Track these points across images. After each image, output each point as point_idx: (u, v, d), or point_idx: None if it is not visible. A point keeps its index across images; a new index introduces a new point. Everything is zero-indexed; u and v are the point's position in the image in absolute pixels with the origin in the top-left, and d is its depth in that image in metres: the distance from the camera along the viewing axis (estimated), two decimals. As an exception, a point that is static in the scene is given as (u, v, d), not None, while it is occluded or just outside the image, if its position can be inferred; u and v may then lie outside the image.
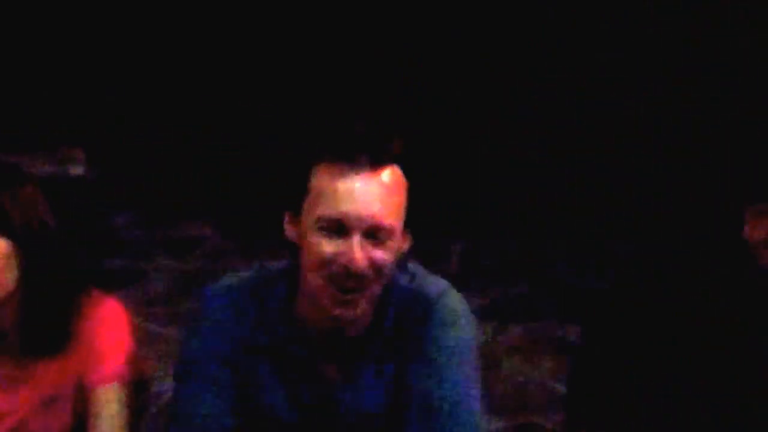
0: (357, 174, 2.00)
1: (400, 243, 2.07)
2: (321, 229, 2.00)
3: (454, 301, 2.17)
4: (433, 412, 2.04)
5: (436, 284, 2.19)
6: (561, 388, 4.35)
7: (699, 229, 4.85)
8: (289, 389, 2.14)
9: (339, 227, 1.99)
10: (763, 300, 1.98)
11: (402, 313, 2.14)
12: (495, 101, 6.54)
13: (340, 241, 1.99)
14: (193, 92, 6.91)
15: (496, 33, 6.53)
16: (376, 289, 2.05)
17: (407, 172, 2.07)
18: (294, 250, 2.10)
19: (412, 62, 6.50)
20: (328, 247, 1.99)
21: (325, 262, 2.00)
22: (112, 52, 6.88)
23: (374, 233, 2.00)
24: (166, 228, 6.15)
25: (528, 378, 4.63)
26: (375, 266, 2.01)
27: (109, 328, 2.31)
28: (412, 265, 2.21)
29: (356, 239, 1.98)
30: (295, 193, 2.05)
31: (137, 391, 2.35)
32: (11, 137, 4.79)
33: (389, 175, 2.03)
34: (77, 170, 4.87)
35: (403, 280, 2.17)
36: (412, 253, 2.16)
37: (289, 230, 2.10)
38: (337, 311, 2.02)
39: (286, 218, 2.11)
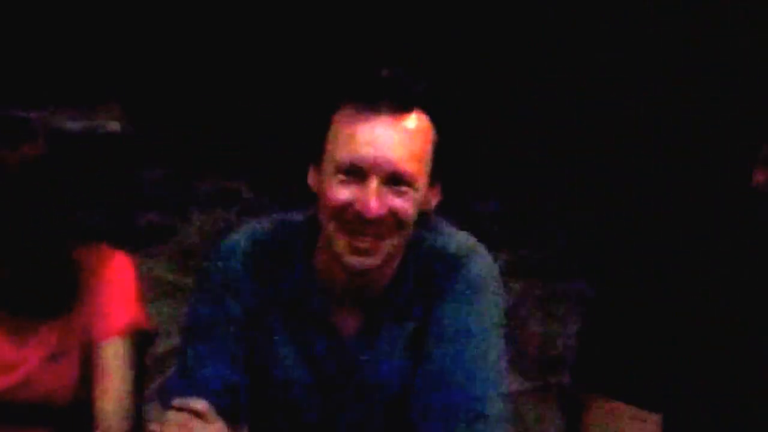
0: (378, 118, 1.91)
1: (424, 195, 1.97)
2: (338, 173, 1.92)
3: (482, 262, 2.08)
4: (444, 384, 1.95)
5: (463, 243, 2.10)
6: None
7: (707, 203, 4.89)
8: (303, 347, 2.06)
9: (356, 172, 1.90)
10: None
11: (425, 272, 2.06)
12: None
13: (356, 188, 1.91)
14: (226, 48, 6.91)
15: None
16: (396, 241, 1.96)
17: (435, 120, 1.98)
18: (315, 199, 2.03)
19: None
20: (344, 192, 1.91)
21: (340, 208, 1.92)
22: (149, 8, 6.90)
23: (394, 180, 1.91)
24: (199, 183, 6.14)
25: (553, 336, 4.66)
26: (394, 216, 1.92)
27: (115, 283, 2.29)
28: (438, 221, 2.12)
29: (373, 185, 1.89)
30: (317, 139, 1.98)
31: (144, 344, 2.33)
32: (48, 91, 4.77)
33: (413, 120, 1.93)
34: (113, 126, 4.84)
35: (428, 236, 2.08)
36: (440, 210, 2.09)
37: (312, 179, 2.03)
38: (351, 259, 1.94)
39: (311, 168, 2.03)
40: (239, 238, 2.11)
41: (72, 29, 6.79)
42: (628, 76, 6.41)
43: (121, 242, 2.40)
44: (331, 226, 1.95)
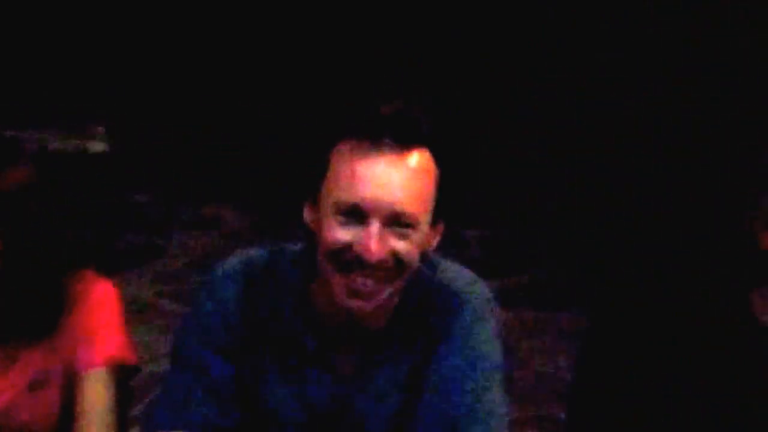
0: (379, 156, 1.82)
1: (426, 235, 1.89)
2: (337, 214, 1.83)
3: (482, 300, 2.01)
4: (449, 417, 1.89)
5: (462, 278, 2.02)
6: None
7: (702, 228, 4.87)
8: (296, 385, 1.96)
9: (357, 213, 1.81)
10: None
11: (424, 309, 1.98)
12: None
13: (357, 229, 1.82)
14: (216, 72, 6.89)
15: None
16: (398, 285, 1.88)
17: (438, 158, 1.89)
18: (311, 236, 1.95)
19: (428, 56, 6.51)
20: (344, 234, 1.82)
21: (339, 250, 1.82)
22: (136, 29, 6.87)
23: (396, 222, 1.82)
24: (185, 207, 6.12)
25: (543, 367, 4.62)
26: (396, 259, 1.83)
27: (100, 311, 2.22)
28: (433, 255, 2.03)
29: (374, 227, 1.80)
30: (314, 175, 1.88)
31: (128, 375, 2.26)
32: (34, 113, 4.78)
33: (416, 158, 1.84)
34: (98, 147, 4.85)
35: (426, 271, 1.98)
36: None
37: (308, 215, 1.93)
38: (349, 302, 1.85)
39: (306, 204, 1.93)
40: (232, 267, 2.01)
41: (59, 51, 6.78)
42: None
43: (104, 265, 2.38)
44: (329, 268, 1.86)
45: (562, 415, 4.10)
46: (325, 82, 6.54)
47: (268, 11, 6.86)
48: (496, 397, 1.93)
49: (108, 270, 2.35)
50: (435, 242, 1.97)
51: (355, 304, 1.86)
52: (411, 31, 6.55)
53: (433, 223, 1.92)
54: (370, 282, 1.84)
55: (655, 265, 2.11)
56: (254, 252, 2.05)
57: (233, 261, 2.03)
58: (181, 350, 2.00)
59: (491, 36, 6.55)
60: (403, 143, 1.83)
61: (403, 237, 1.83)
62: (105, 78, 6.80)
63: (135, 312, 4.46)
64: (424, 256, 1.95)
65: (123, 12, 6.84)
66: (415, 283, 1.95)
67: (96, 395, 2.17)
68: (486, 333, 1.97)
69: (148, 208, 5.91)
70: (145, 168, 6.08)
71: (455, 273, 2.03)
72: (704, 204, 5.32)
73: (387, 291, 1.86)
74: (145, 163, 6.15)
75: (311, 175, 1.89)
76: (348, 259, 1.83)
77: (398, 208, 1.81)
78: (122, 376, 2.22)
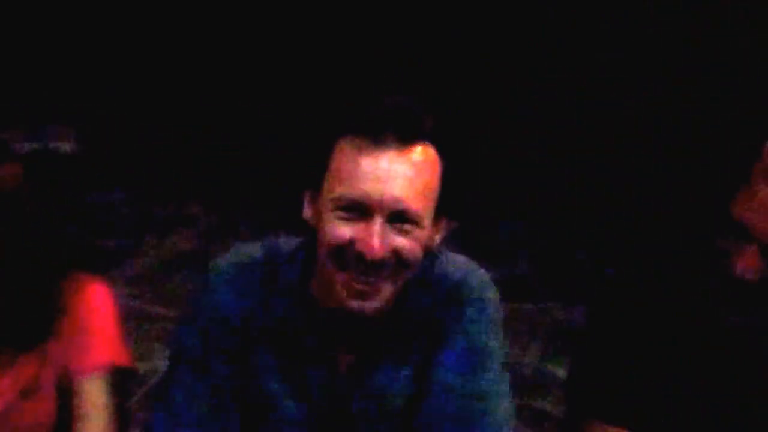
0: (383, 151, 1.77)
1: (430, 232, 1.85)
2: (339, 209, 1.79)
3: (487, 293, 1.97)
4: (450, 423, 1.87)
5: (466, 270, 1.98)
6: (554, 371, 4.37)
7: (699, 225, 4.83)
8: (295, 382, 1.94)
9: (359, 209, 1.77)
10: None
11: (424, 303, 1.95)
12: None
13: (359, 226, 1.78)
14: (188, 69, 6.88)
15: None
16: (400, 283, 1.84)
17: (442, 153, 1.85)
18: (311, 233, 1.91)
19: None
20: (345, 230, 1.78)
21: (340, 247, 1.79)
22: (103, 29, 6.87)
23: (399, 218, 1.78)
24: (155, 207, 6.09)
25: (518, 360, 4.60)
26: (398, 257, 1.80)
27: (95, 314, 2.18)
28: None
29: (377, 224, 1.76)
30: (315, 170, 1.84)
31: (125, 379, 2.22)
32: (1, 113, 4.79)
33: (420, 153, 1.80)
34: (66, 147, 4.84)
35: (426, 263, 1.93)
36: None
37: (308, 211, 1.90)
38: (350, 302, 1.82)
39: (306, 198, 1.90)
40: (228, 266, 1.97)
41: (24, 50, 6.80)
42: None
43: (78, 267, 2.34)
44: (330, 266, 1.82)
45: (533, 405, 4.10)
46: (304, 80, 6.56)
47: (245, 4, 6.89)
48: (500, 392, 1.92)
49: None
50: (438, 239, 1.93)
51: (355, 304, 1.82)
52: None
53: (436, 220, 1.88)
54: (371, 281, 1.80)
55: (642, 248, 2.13)
56: (249, 249, 2.01)
57: (228, 259, 1.99)
58: (180, 351, 1.96)
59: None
60: (406, 138, 1.79)
61: (405, 234, 1.79)
62: (74, 78, 6.79)
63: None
64: (426, 252, 1.90)
65: (90, 10, 6.84)
66: (414, 277, 1.90)
67: (94, 400, 2.14)
68: (487, 326, 1.94)
69: (120, 208, 5.89)
70: (115, 168, 6.08)
71: (457, 264, 1.99)
72: (696, 197, 5.26)
73: (388, 290, 1.82)
74: (116, 164, 6.15)
75: (312, 171, 1.85)
76: (349, 256, 1.79)
77: (402, 204, 1.77)
78: (119, 379, 2.19)
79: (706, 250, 1.96)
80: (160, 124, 6.78)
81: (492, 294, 1.98)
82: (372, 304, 1.82)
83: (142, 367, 3.99)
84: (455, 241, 5.71)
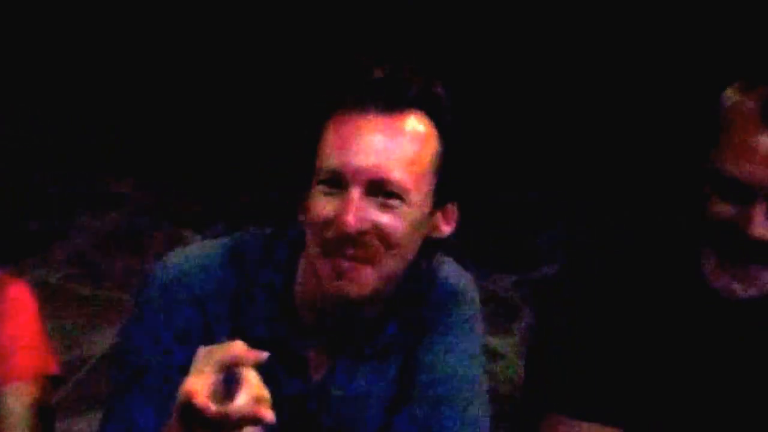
0: (365, 121, 1.66)
1: (427, 216, 1.72)
2: (320, 183, 1.67)
3: (471, 297, 1.91)
4: (432, 428, 1.80)
5: (448, 272, 1.90)
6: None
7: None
8: (273, 386, 1.69)
9: (338, 181, 1.65)
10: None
11: (411, 307, 1.85)
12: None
13: (339, 200, 1.65)
14: (112, 43, 6.79)
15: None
16: (387, 265, 1.69)
17: (438, 123, 1.72)
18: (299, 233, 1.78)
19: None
20: (326, 207, 1.66)
21: (321, 226, 1.66)
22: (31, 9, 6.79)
23: (380, 190, 1.65)
24: (85, 185, 5.83)
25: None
26: (380, 234, 1.65)
27: (16, 319, 2.01)
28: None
29: (353, 194, 1.63)
30: (307, 158, 1.72)
31: (51, 386, 2.06)
32: None
33: (409, 122, 1.67)
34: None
35: (425, 263, 1.85)
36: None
37: (302, 216, 1.76)
38: (334, 284, 1.68)
39: (301, 202, 1.77)
40: (189, 263, 1.81)
41: None
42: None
43: (5, 252, 2.20)
44: (316, 251, 1.70)
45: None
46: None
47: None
48: (479, 410, 1.85)
49: (10, 258, 2.15)
50: (447, 230, 1.80)
51: (336, 285, 1.68)
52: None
53: (439, 206, 1.76)
54: (349, 254, 1.66)
55: (609, 233, 2.12)
56: (204, 250, 1.86)
57: (186, 256, 1.83)
58: (129, 361, 1.79)
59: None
60: (390, 106, 1.67)
61: (388, 209, 1.66)
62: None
63: (45, 298, 4.37)
64: (429, 248, 1.80)
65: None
66: (411, 275, 1.81)
67: (17, 411, 1.97)
68: (473, 335, 1.89)
69: (46, 188, 5.66)
70: (40, 147, 5.87)
71: (440, 268, 1.90)
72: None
73: (370, 274, 1.68)
74: (39, 142, 5.94)
75: (305, 159, 1.73)
76: (330, 237, 1.66)
77: (380, 172, 1.64)
78: (45, 387, 2.03)
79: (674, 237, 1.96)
80: (82, 98, 6.60)
81: (476, 295, 1.92)
82: (353, 288, 1.68)
83: (79, 350, 3.98)
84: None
